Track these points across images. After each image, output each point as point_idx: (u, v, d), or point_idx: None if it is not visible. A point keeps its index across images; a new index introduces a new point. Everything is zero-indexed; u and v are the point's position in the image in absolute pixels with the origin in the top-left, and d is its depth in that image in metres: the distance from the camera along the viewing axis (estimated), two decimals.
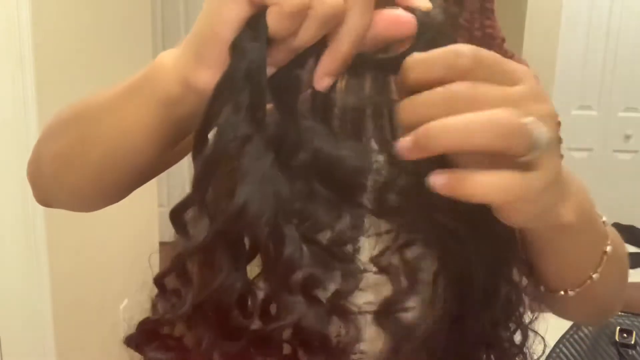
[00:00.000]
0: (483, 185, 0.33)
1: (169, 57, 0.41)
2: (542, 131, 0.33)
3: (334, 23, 0.34)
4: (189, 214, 0.41)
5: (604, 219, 0.50)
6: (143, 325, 0.43)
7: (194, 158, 0.38)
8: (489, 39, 0.60)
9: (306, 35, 0.34)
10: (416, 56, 0.35)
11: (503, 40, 0.61)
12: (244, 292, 0.38)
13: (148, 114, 0.43)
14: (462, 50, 0.34)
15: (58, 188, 0.57)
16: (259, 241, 0.37)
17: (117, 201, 0.56)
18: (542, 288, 0.51)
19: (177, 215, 0.41)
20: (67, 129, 0.52)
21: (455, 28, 0.57)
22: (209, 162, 0.37)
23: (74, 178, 0.53)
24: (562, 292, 0.50)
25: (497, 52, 0.59)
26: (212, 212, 0.38)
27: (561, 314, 0.57)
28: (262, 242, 0.37)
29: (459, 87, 0.34)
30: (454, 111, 0.33)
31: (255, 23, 0.35)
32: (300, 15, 0.33)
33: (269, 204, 0.36)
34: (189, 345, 0.41)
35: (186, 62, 0.39)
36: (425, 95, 0.34)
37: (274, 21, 0.33)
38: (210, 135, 0.38)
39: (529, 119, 0.33)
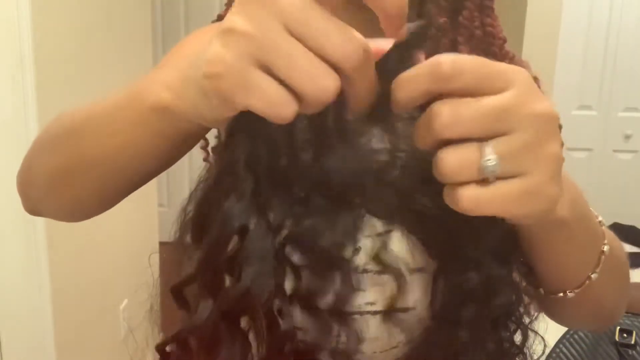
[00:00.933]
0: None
1: (155, 73, 0.42)
2: (487, 161, 0.34)
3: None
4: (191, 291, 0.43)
5: (600, 219, 0.50)
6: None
7: (196, 241, 0.41)
8: (490, 38, 0.60)
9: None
10: (401, 76, 0.36)
11: (504, 41, 0.61)
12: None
13: (142, 124, 0.43)
14: (441, 59, 0.35)
15: (54, 199, 0.56)
16: (256, 318, 0.40)
17: (117, 203, 0.56)
18: (541, 290, 0.51)
19: (178, 291, 0.43)
20: (62, 144, 0.51)
21: (447, 32, 0.58)
22: (214, 245, 0.39)
23: (74, 191, 0.53)
24: (561, 294, 0.49)
25: (498, 53, 0.59)
26: (215, 292, 0.40)
27: (560, 318, 0.57)
28: (259, 319, 0.39)
29: (438, 109, 0.35)
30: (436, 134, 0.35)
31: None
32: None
33: (268, 284, 0.38)
34: None
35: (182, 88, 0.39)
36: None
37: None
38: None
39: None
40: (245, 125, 0.39)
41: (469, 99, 0.35)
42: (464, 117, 0.34)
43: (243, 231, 0.38)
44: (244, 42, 0.33)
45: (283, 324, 0.40)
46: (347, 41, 0.33)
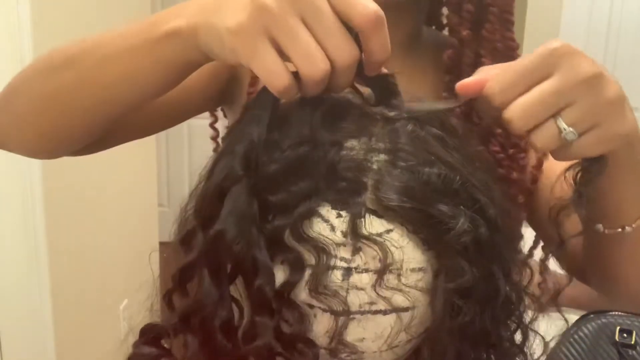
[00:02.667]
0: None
1: (177, 8, 0.47)
2: (565, 133, 0.44)
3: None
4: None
5: None
6: (144, 330, 0.47)
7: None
8: (510, 51, 0.63)
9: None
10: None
11: (517, 46, 0.63)
12: (225, 310, 0.42)
13: (151, 50, 0.48)
14: (488, 86, 0.45)
15: (31, 126, 0.58)
16: (237, 266, 0.42)
17: (91, 139, 0.59)
18: (600, 227, 0.54)
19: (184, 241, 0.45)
20: (61, 69, 0.54)
21: (470, 44, 0.63)
22: (205, 196, 0.45)
23: (58, 117, 0.55)
24: (619, 229, 0.53)
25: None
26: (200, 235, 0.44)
27: (614, 269, 0.57)
28: (239, 267, 0.42)
29: (507, 116, 0.45)
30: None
31: (266, 93, 0.43)
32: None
33: (244, 235, 0.42)
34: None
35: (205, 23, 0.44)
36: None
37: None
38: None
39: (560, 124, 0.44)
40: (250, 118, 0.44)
41: (527, 97, 0.43)
42: (530, 113, 0.43)
43: (229, 183, 0.43)
44: (265, 16, 0.40)
45: (259, 277, 0.41)
46: (343, 44, 0.41)
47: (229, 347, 0.42)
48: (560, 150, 0.45)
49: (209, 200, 0.44)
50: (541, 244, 0.66)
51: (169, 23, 0.46)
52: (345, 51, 0.41)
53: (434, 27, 0.77)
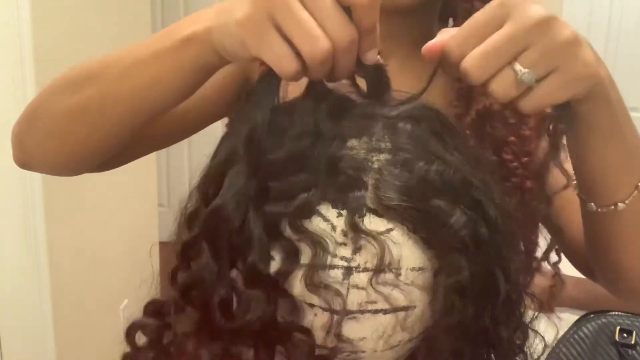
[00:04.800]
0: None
1: (196, 14, 0.50)
2: (522, 75, 0.43)
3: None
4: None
5: None
6: (147, 306, 0.49)
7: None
8: None
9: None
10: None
11: None
12: (224, 286, 0.43)
13: (171, 56, 0.50)
14: (446, 48, 0.46)
15: (56, 144, 0.59)
16: (234, 241, 0.43)
17: (115, 152, 0.60)
18: (592, 206, 0.54)
19: (188, 220, 0.47)
20: (84, 85, 0.55)
21: None
22: (208, 175, 0.47)
23: (84, 133, 0.57)
24: (612, 207, 0.52)
25: None
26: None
27: (615, 252, 0.56)
28: (236, 242, 0.43)
29: (463, 69, 0.45)
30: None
31: (270, 79, 0.45)
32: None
33: (241, 210, 0.43)
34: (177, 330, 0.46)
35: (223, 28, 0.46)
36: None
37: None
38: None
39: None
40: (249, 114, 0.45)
41: (481, 46, 0.44)
42: (485, 62, 0.44)
43: (230, 162, 0.44)
44: (267, 2, 0.42)
45: (252, 254, 0.42)
46: (341, 23, 0.43)
47: (227, 322, 0.43)
48: (524, 100, 0.45)
49: (210, 178, 0.46)
50: (556, 247, 0.65)
51: (188, 29, 0.49)
52: (343, 31, 0.43)
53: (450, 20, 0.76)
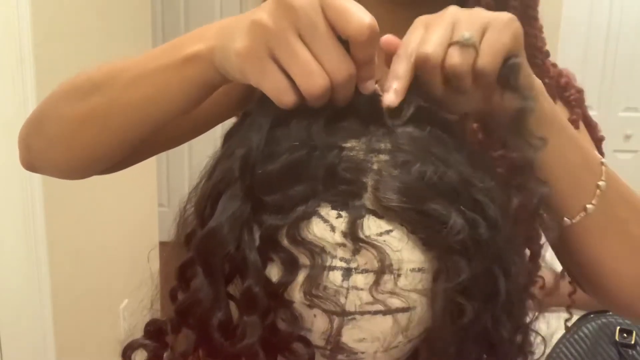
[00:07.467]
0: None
1: (199, 31, 0.50)
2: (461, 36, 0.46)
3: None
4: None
5: (603, 160, 0.55)
6: (147, 325, 0.49)
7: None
8: (533, 50, 0.62)
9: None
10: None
11: (547, 54, 0.63)
12: (220, 308, 0.44)
13: (175, 71, 0.50)
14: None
15: (62, 148, 0.60)
16: (230, 265, 0.43)
17: (121, 158, 0.60)
18: (566, 220, 0.54)
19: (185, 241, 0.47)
20: (91, 95, 0.56)
21: None
22: (204, 197, 0.47)
23: (89, 139, 0.57)
24: (583, 213, 0.53)
25: (542, 66, 0.62)
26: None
27: (599, 266, 0.56)
28: (231, 266, 0.43)
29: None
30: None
31: (267, 102, 0.45)
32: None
33: (235, 234, 0.43)
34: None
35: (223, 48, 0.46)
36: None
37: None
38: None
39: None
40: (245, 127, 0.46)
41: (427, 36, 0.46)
42: (440, 45, 0.46)
43: (225, 184, 0.45)
44: (265, 36, 0.43)
45: (248, 279, 0.43)
46: (339, 60, 0.43)
47: (223, 344, 0.44)
48: (479, 60, 0.46)
49: (206, 201, 0.46)
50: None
51: (192, 47, 0.49)
52: (341, 67, 0.43)
53: None
